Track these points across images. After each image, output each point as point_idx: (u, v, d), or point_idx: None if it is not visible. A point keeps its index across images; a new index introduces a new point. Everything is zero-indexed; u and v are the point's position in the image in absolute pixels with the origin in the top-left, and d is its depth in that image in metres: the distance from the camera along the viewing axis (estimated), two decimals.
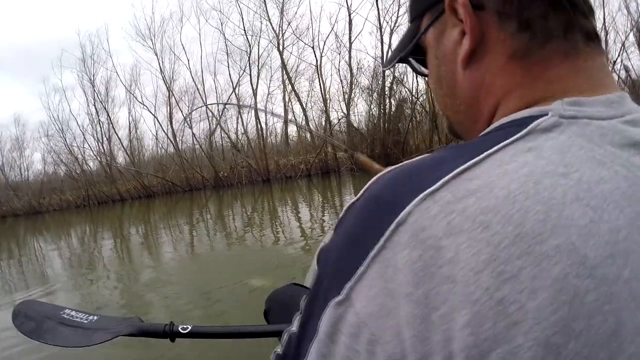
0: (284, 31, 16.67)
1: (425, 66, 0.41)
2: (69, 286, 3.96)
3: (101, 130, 19.07)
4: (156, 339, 0.80)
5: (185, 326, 0.79)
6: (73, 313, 0.81)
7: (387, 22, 14.69)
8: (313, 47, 16.76)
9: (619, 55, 15.08)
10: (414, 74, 0.46)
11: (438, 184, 0.23)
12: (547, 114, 0.27)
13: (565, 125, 0.26)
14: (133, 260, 4.86)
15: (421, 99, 15.02)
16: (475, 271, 0.20)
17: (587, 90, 0.28)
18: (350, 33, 15.99)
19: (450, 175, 0.23)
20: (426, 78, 0.42)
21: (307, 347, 0.27)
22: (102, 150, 19.27)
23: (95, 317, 0.81)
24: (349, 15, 15.70)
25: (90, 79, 18.51)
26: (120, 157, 20.03)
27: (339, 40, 16.92)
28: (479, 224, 0.21)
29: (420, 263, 0.22)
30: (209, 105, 18.20)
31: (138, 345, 2.07)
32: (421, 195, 0.23)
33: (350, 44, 16.12)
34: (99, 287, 3.70)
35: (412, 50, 0.39)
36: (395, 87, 15.25)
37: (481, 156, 0.24)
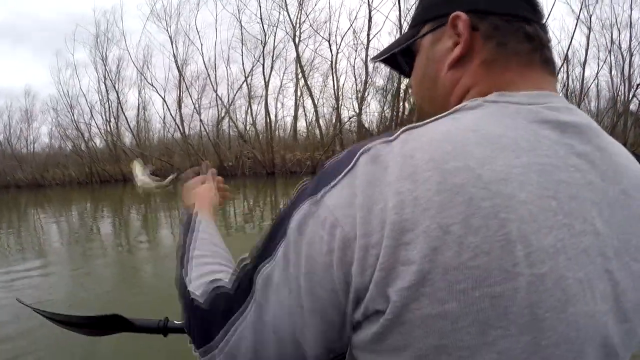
0: (301, 22, 16.45)
1: (408, 66, 0.50)
2: (63, 262, 3.85)
3: (109, 108, 18.99)
4: (150, 334, 0.80)
5: (178, 322, 0.78)
6: (66, 314, 0.85)
7: (408, 23, 14.39)
8: (329, 42, 16.53)
9: None
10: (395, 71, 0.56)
11: (394, 136, 0.34)
12: (477, 101, 0.37)
13: (486, 106, 0.36)
14: (130, 246, 4.72)
15: None
16: (400, 178, 0.31)
17: (525, 90, 0.38)
18: (369, 31, 15.75)
19: (401, 131, 0.35)
20: (405, 78, 0.51)
21: (276, 246, 0.35)
22: (109, 129, 19.19)
23: (89, 315, 0.83)
24: (369, 12, 15.44)
25: (102, 57, 18.42)
26: (126, 138, 19.95)
27: (357, 37, 16.69)
28: (408, 155, 0.32)
29: (371, 176, 0.32)
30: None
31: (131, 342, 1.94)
32: (382, 139, 0.34)
33: (368, 41, 15.88)
34: (93, 269, 3.58)
35: (404, 49, 0.48)
36: (410, 91, 14.99)
37: (422, 123, 0.35)
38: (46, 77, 40.24)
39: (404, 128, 0.35)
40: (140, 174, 0.88)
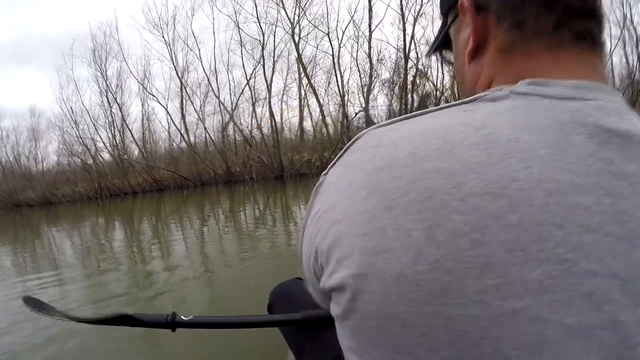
0: (299, 18, 16.08)
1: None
2: (78, 275, 3.72)
3: (113, 122, 18.89)
4: (157, 329, 0.83)
5: (186, 316, 0.82)
6: (72, 313, 0.86)
7: (410, 11, 13.91)
8: (329, 36, 16.14)
9: None
10: (439, 67, 0.49)
11: (394, 122, 0.33)
12: (503, 90, 0.31)
13: (512, 98, 0.30)
14: (143, 252, 4.61)
15: (446, 93, 14.26)
16: (379, 168, 0.29)
17: (559, 78, 0.31)
18: (370, 21, 15.32)
19: (400, 118, 0.33)
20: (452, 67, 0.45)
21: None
22: (115, 143, 19.11)
23: (96, 318, 0.83)
24: (369, 2, 15.01)
25: (101, 70, 18.32)
26: (132, 150, 19.85)
27: (358, 29, 16.27)
28: (392, 144, 0.29)
29: (355, 162, 0.32)
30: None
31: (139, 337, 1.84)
32: (377, 126, 0.33)
33: (370, 33, 15.46)
34: (106, 279, 3.42)
35: (444, 42, 0.44)
36: (418, 81, 14.52)
37: (427, 110, 0.32)
38: (50, 94, 40.67)
39: (407, 115, 0.33)
40: None
